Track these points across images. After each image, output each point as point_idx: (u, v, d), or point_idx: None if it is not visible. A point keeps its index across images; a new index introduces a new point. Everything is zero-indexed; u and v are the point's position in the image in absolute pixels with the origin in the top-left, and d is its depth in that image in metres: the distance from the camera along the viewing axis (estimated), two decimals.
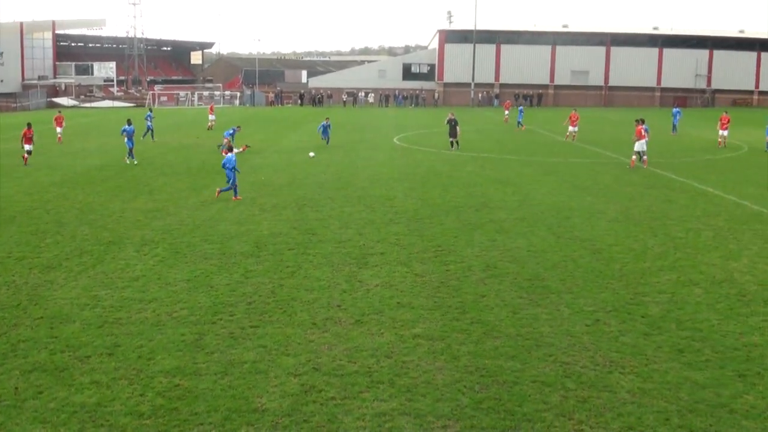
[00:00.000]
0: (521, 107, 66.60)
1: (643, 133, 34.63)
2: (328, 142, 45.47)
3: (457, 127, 43.33)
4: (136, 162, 36.67)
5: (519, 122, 61.96)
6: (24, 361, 11.74)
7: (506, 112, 70.92)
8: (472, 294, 14.82)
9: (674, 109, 58.51)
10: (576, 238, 19.87)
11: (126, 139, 37.45)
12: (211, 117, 61.24)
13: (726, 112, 47.90)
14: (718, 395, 10.34)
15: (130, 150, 37.56)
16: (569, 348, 11.99)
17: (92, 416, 9.85)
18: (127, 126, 37.84)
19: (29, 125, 38.91)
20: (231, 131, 42.87)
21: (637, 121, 35.77)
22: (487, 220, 22.09)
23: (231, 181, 26.22)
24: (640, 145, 34.70)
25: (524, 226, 21.36)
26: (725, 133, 45.70)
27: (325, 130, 46.09)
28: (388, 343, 12.18)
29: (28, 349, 12.25)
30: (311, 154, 36.89)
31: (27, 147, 37.67)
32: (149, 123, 50.34)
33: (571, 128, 49.68)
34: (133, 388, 10.63)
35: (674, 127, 55.55)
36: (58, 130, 48.48)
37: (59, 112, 53.86)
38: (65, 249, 19.11)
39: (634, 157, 35.04)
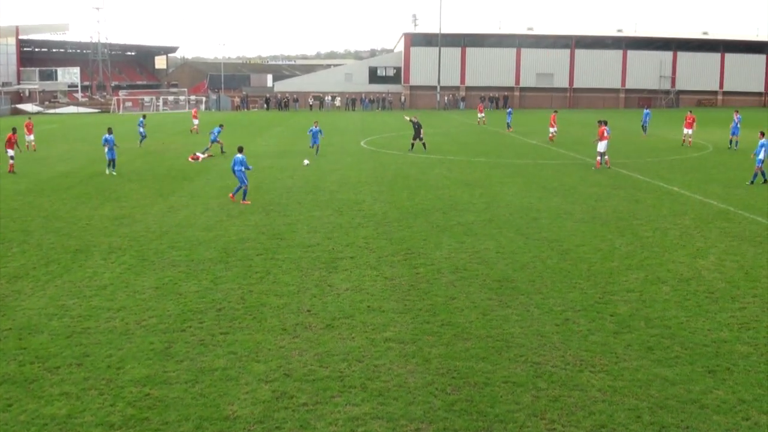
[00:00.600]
0: (510, 109, 67.14)
1: (605, 134, 35.10)
2: (317, 152, 42.10)
3: (422, 129, 43.65)
4: (114, 173, 34.45)
5: (508, 124, 62.34)
6: None
7: (480, 114, 70.79)
8: (442, 296, 14.89)
9: (645, 111, 58.48)
10: (544, 239, 20.03)
11: (107, 149, 34.97)
12: (195, 121, 61.35)
13: (690, 112, 48.91)
14: (689, 391, 10.48)
15: (111, 161, 34.94)
16: (540, 348, 12.09)
17: (63, 428, 9.74)
18: (107, 135, 35.25)
19: (14, 130, 38.27)
20: (217, 130, 42.88)
21: (599, 122, 36.37)
22: (456, 223, 22.19)
23: (243, 181, 26.53)
24: (602, 146, 35.17)
25: (492, 227, 21.49)
26: (689, 131, 46.60)
27: (315, 136, 42.68)
28: (360, 347, 12.18)
29: None
30: (305, 162, 35.72)
31: (10, 152, 36.69)
32: (142, 129, 50.11)
33: (551, 129, 50.32)
34: (104, 399, 10.53)
35: (644, 128, 55.56)
36: (29, 137, 46.27)
37: (29, 118, 52.94)
38: (32, 258, 18.87)
39: (598, 158, 35.49)
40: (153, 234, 21.33)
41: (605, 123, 35.69)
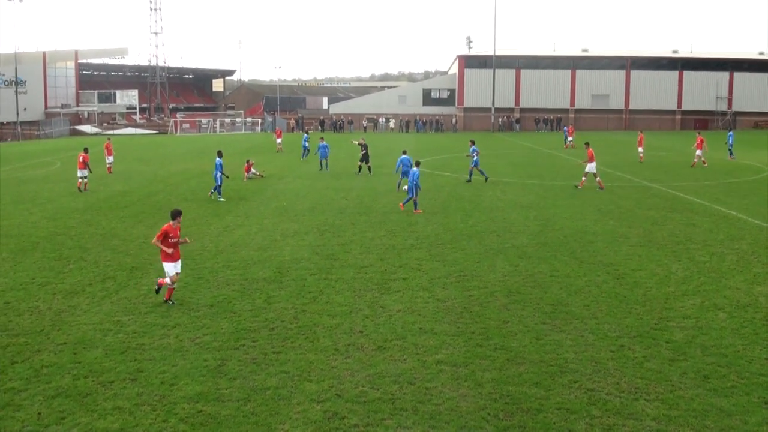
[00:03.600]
0: (565, 128, 66.69)
1: (594, 156, 35.74)
2: (326, 167, 45.90)
3: (368, 152, 43.51)
4: (222, 199, 33.10)
5: (568, 140, 63.36)
6: (47, 386, 11.79)
7: (569, 138, 67.60)
8: (495, 320, 14.74)
9: (729, 133, 55.37)
10: (599, 263, 19.74)
11: (216, 173, 33.63)
12: (278, 141, 62.99)
13: (699, 133, 49.61)
14: (745, 422, 10.18)
15: (217, 186, 33.54)
16: (594, 374, 11.87)
17: None
18: (217, 158, 34.07)
19: (86, 150, 39.26)
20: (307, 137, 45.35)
21: (586, 144, 37.58)
22: (510, 245, 22.00)
23: (413, 192, 28.35)
24: (592, 167, 35.64)
25: (547, 251, 21.26)
26: (700, 152, 46.87)
27: (324, 151, 46.34)
28: (411, 369, 12.11)
29: (51, 374, 12.31)
30: (406, 187, 31.79)
31: (81, 173, 37.63)
32: (306, 144, 55.42)
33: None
34: (156, 414, 10.64)
35: (730, 151, 52.83)
36: (109, 158, 46.60)
37: (108, 139, 53.45)
38: (88, 275, 19.24)
39: (583, 178, 35.95)
40: (208, 253, 21.57)
41: (589, 144, 37.13)
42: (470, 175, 39.12)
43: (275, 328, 14.38)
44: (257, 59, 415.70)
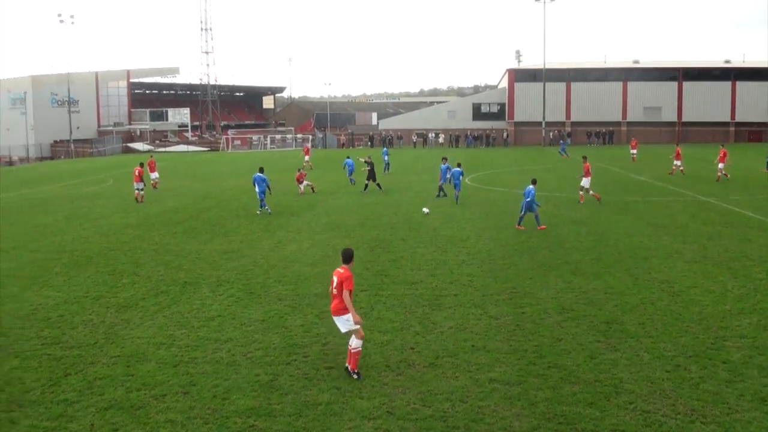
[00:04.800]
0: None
1: (590, 170, 35.87)
2: (352, 183, 46.95)
3: (374, 170, 43.33)
4: (270, 212, 33.84)
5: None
6: (100, 398, 11.96)
7: (633, 151, 66.39)
8: (548, 337, 14.53)
9: None
10: (654, 279, 19.36)
11: (257, 189, 34.19)
12: (306, 158, 63.21)
13: (722, 146, 49.36)
14: None
15: (262, 200, 34.16)
16: (649, 395, 11.60)
17: None
18: (258, 174, 34.67)
19: (142, 164, 41.21)
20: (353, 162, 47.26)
21: (583, 158, 37.70)
22: (563, 261, 21.73)
23: (530, 210, 27.85)
24: (586, 182, 35.73)
25: (600, 267, 20.93)
26: (722, 165, 46.51)
27: (351, 169, 47.77)
28: (464, 387, 11.98)
29: (104, 386, 12.49)
30: (425, 210, 32.66)
31: (137, 185, 39.79)
32: (386, 158, 57.36)
33: (676, 162, 50.02)
34: (208, 428, 10.70)
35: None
36: (153, 175, 47.47)
37: (151, 156, 54.76)
38: (141, 289, 19.50)
39: (581, 192, 35.91)
40: (260, 268, 21.71)
41: (586, 158, 37.15)
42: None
43: (327, 344, 14.38)
44: (307, 76, 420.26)
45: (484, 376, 12.43)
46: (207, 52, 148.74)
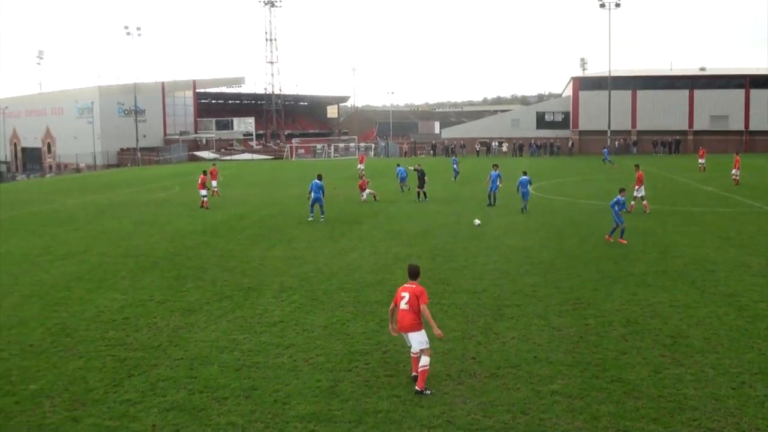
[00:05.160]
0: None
1: (643, 179, 35.49)
2: (404, 189, 48.00)
3: (425, 178, 42.85)
4: (323, 218, 34.07)
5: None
6: (163, 399, 12.17)
7: (701, 160, 64.87)
8: (612, 350, 14.27)
9: None
10: (721, 293, 18.87)
11: (313, 195, 34.20)
12: (360, 166, 63.27)
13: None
14: None
15: (317, 206, 34.38)
16: (714, 413, 11.28)
17: None
18: (316, 180, 34.59)
19: (205, 172, 42.73)
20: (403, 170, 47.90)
21: (636, 166, 37.37)
22: (628, 273, 21.35)
23: (619, 222, 26.62)
24: (639, 191, 35.42)
25: (666, 279, 20.51)
26: (737, 171, 47.59)
27: (403, 177, 48.43)
28: (525, 398, 11.85)
29: (167, 388, 12.71)
30: (477, 222, 31.79)
31: (202, 192, 41.29)
32: (456, 167, 57.90)
33: (734, 171, 49.33)
34: None
35: None
36: (213, 183, 47.68)
37: (214, 164, 55.71)
38: (206, 294, 19.80)
39: (633, 202, 35.43)
40: (323, 275, 21.85)
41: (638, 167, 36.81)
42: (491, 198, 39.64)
43: (388, 352, 14.39)
44: (371, 85, 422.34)
45: (546, 388, 12.27)
46: (272, 62, 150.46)
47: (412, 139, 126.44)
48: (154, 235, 31.13)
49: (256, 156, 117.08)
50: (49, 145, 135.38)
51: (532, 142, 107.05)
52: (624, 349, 14.37)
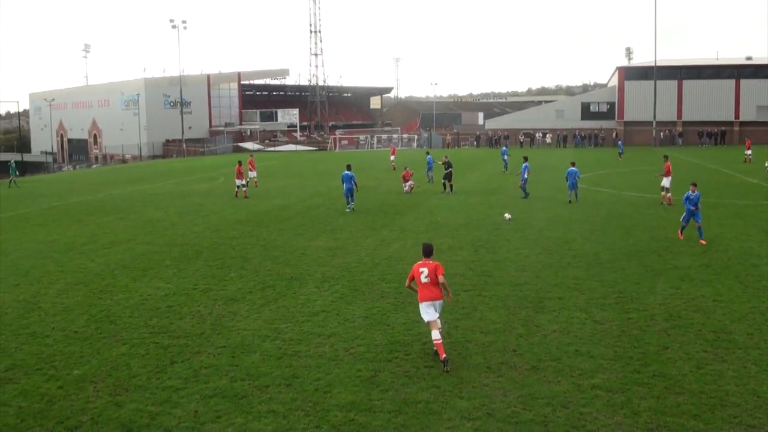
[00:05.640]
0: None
1: (670, 170, 35.44)
2: (432, 177, 48.21)
3: (451, 170, 42.56)
4: (353, 209, 34.66)
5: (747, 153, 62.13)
6: (205, 386, 12.37)
7: (748, 151, 63.78)
8: (654, 345, 14.15)
9: None
10: (765, 288, 18.53)
11: (345, 186, 34.91)
12: (392, 158, 63.15)
13: (747, 139, 50.32)
14: None
15: (350, 195, 34.94)
16: (755, 410, 11.13)
17: None
18: (347, 171, 35.27)
19: (240, 163, 43.14)
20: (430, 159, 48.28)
21: (665, 157, 37.46)
22: (671, 267, 21.11)
23: (694, 219, 25.08)
24: (667, 182, 35.35)
25: (710, 273, 20.24)
26: (749, 152, 47.61)
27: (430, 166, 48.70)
28: (566, 392, 11.82)
29: (209, 375, 12.92)
30: (507, 216, 31.20)
31: (238, 182, 42.17)
32: (505, 158, 58.59)
33: None
34: (309, 420, 10.92)
35: None
36: (252, 173, 48.29)
37: (251, 155, 56.47)
38: (248, 283, 20.03)
39: (663, 193, 35.61)
40: (364, 266, 21.95)
41: (667, 158, 36.88)
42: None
43: (428, 343, 14.41)
44: (414, 76, 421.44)
45: (586, 382, 12.22)
46: (316, 54, 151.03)
47: (455, 130, 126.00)
48: (198, 224, 31.51)
49: (300, 147, 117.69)
50: (95, 137, 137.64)
51: (576, 133, 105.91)
52: (666, 343, 14.24)
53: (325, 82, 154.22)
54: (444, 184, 42.46)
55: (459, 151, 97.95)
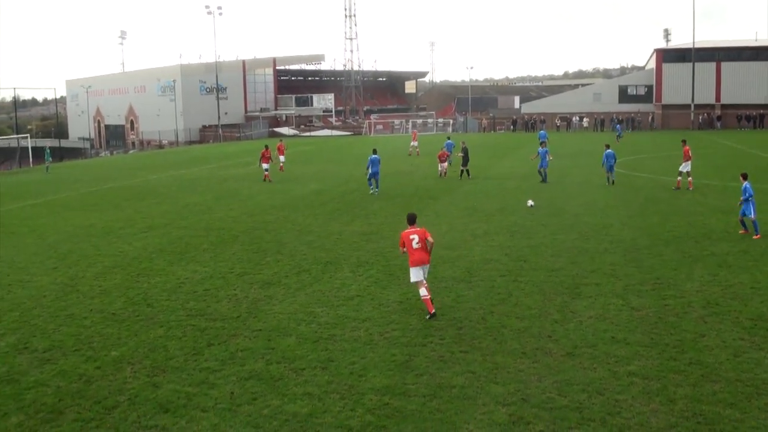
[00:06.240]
0: None
1: (690, 154, 35.35)
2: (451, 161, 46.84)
3: (468, 156, 42.20)
4: (376, 192, 35.50)
5: None
6: (241, 368, 12.53)
7: None
8: (691, 332, 14.01)
9: None
10: None
11: (371, 170, 35.80)
12: (413, 143, 62.97)
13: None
14: None
15: (372, 180, 35.93)
16: None
17: (303, 426, 10.32)
18: (374, 155, 36.35)
19: (267, 147, 44.03)
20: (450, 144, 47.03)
21: (683, 141, 37.28)
22: (709, 253, 20.86)
23: (746, 213, 23.42)
24: (686, 166, 35.17)
25: (748, 259, 19.94)
26: None
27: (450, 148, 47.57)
28: (601, 378, 11.76)
29: (245, 358, 13.08)
30: (530, 203, 30.63)
31: (265, 166, 42.96)
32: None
33: None
34: (344, 403, 11.01)
35: None
36: (281, 158, 49.39)
37: (281, 140, 56.97)
38: (284, 267, 20.18)
39: (679, 177, 35.32)
40: (399, 251, 21.93)
41: (685, 142, 36.75)
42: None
43: (463, 328, 14.45)
44: (449, 60, 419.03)
45: (622, 369, 12.14)
46: (351, 39, 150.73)
47: (491, 114, 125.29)
48: (234, 209, 31.76)
49: (335, 132, 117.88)
50: (132, 123, 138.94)
51: (614, 116, 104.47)
52: (703, 331, 14.10)
53: (360, 66, 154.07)
54: (461, 171, 42.22)
55: (494, 136, 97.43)
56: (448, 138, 53.12)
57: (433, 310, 15.05)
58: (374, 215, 28.76)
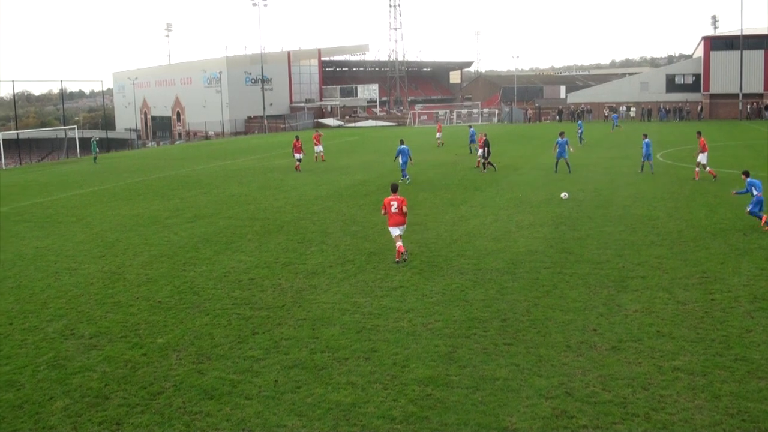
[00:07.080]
0: None
1: (706, 146, 35.31)
2: (474, 150, 48.14)
3: (489, 148, 41.48)
4: (408, 181, 36.48)
5: None
6: (285, 357, 12.69)
7: None
8: (737, 328, 13.80)
9: None
10: None
11: (401, 159, 37.33)
12: (438, 135, 62.90)
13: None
14: None
15: (403, 170, 37.23)
16: None
17: (346, 415, 10.42)
18: (402, 146, 37.76)
19: (297, 138, 44.79)
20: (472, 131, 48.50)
21: (698, 133, 37.00)
22: (757, 246, 20.50)
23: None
24: (704, 158, 35.25)
25: None
26: None
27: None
28: (646, 373, 11.67)
29: (289, 346, 13.24)
30: (564, 195, 30.20)
31: (297, 156, 43.89)
32: (580, 131, 60.62)
33: None
34: (387, 393, 11.08)
35: None
36: (318, 148, 49.77)
37: (316, 131, 57.86)
38: (329, 257, 20.33)
39: (697, 169, 35.40)
40: (443, 241, 21.99)
41: (701, 134, 36.57)
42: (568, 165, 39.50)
43: (507, 320, 14.43)
44: (494, 50, 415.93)
45: (667, 364, 12.03)
46: (395, 29, 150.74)
47: (536, 104, 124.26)
48: (279, 199, 32.03)
49: (379, 123, 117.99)
50: (178, 114, 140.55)
51: (661, 106, 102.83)
52: (749, 326, 13.88)
53: (404, 57, 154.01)
54: (484, 164, 41.52)
55: (539, 126, 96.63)
56: (470, 126, 55.26)
57: (398, 259, 19.30)
58: (419, 206, 28.77)
